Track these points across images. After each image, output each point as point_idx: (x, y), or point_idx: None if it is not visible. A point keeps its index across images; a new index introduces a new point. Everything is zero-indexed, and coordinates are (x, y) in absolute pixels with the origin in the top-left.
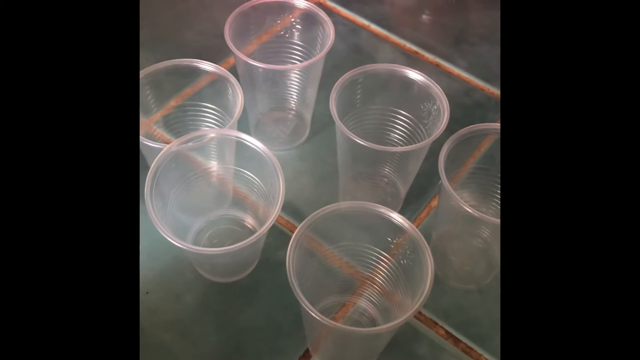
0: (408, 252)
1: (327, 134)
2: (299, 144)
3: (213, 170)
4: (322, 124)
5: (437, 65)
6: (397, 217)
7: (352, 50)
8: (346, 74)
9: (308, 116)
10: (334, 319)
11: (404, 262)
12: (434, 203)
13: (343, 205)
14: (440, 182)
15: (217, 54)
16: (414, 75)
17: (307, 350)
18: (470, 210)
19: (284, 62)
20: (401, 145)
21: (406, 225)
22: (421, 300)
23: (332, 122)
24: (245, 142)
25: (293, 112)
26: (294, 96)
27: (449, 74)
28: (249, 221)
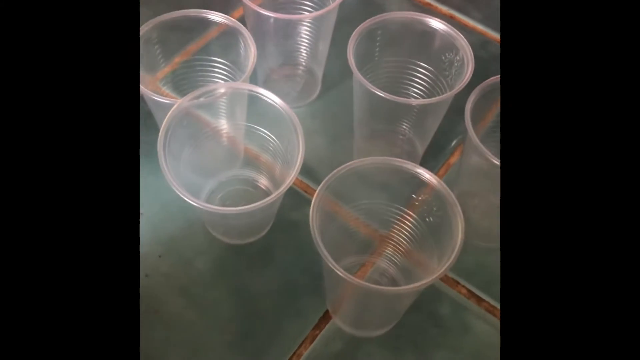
0: (434, 209)
1: (339, 90)
2: (309, 101)
3: (224, 128)
4: (332, 80)
5: (452, 17)
6: (423, 172)
7: (361, 3)
8: (364, 22)
9: (319, 72)
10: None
11: (429, 219)
12: (453, 160)
13: (366, 161)
14: (459, 137)
15: (221, 7)
16: (436, 24)
17: (327, 312)
18: (499, 163)
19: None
20: (420, 97)
21: (434, 180)
22: (452, 258)
23: (343, 79)
24: (263, 97)
25: (303, 67)
26: (305, 50)
27: (463, 26)
28: (263, 182)
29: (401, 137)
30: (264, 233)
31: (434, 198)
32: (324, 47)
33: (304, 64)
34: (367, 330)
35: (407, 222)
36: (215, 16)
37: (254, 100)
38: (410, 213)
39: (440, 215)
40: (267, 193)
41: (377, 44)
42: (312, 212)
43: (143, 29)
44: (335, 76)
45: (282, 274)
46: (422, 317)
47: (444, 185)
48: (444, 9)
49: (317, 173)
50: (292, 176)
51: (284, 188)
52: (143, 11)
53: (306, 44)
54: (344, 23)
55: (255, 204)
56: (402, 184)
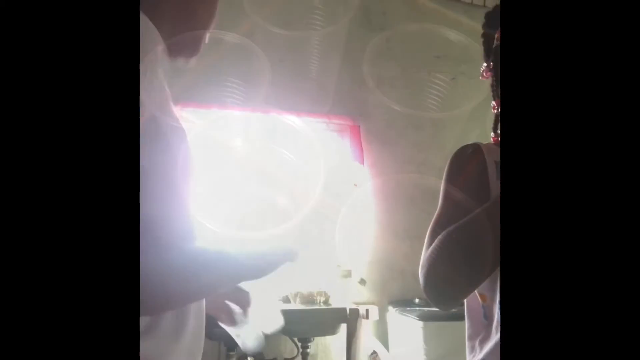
0: (464, 226)
1: (349, 102)
2: (321, 114)
3: (240, 147)
4: (343, 91)
5: (459, 22)
6: (451, 190)
7: (366, 10)
8: (380, 35)
9: (330, 85)
10: None
11: (455, 236)
12: (470, 167)
13: (391, 178)
14: (474, 144)
15: (228, 22)
16: (454, 35)
17: None
18: None
19: (305, 26)
20: (438, 110)
21: (462, 198)
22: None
23: (354, 89)
24: (282, 118)
25: (314, 81)
26: (316, 64)
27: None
28: (281, 200)
29: (418, 146)
30: None
31: (463, 216)
32: (335, 61)
33: (314, 77)
34: None
35: (433, 235)
36: (229, 37)
37: (272, 120)
38: (436, 227)
39: (470, 232)
40: (286, 211)
41: (393, 55)
42: (338, 230)
43: (155, 52)
44: (345, 87)
45: None
46: None
47: (477, 206)
48: (451, 13)
49: (332, 185)
50: (314, 197)
51: (306, 210)
52: (149, 26)
53: (317, 58)
54: (351, 34)
55: (281, 225)
56: (429, 198)
